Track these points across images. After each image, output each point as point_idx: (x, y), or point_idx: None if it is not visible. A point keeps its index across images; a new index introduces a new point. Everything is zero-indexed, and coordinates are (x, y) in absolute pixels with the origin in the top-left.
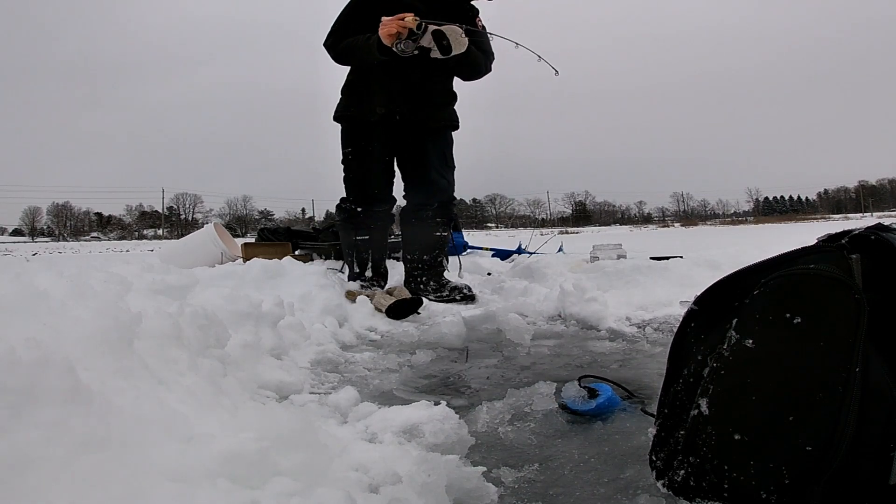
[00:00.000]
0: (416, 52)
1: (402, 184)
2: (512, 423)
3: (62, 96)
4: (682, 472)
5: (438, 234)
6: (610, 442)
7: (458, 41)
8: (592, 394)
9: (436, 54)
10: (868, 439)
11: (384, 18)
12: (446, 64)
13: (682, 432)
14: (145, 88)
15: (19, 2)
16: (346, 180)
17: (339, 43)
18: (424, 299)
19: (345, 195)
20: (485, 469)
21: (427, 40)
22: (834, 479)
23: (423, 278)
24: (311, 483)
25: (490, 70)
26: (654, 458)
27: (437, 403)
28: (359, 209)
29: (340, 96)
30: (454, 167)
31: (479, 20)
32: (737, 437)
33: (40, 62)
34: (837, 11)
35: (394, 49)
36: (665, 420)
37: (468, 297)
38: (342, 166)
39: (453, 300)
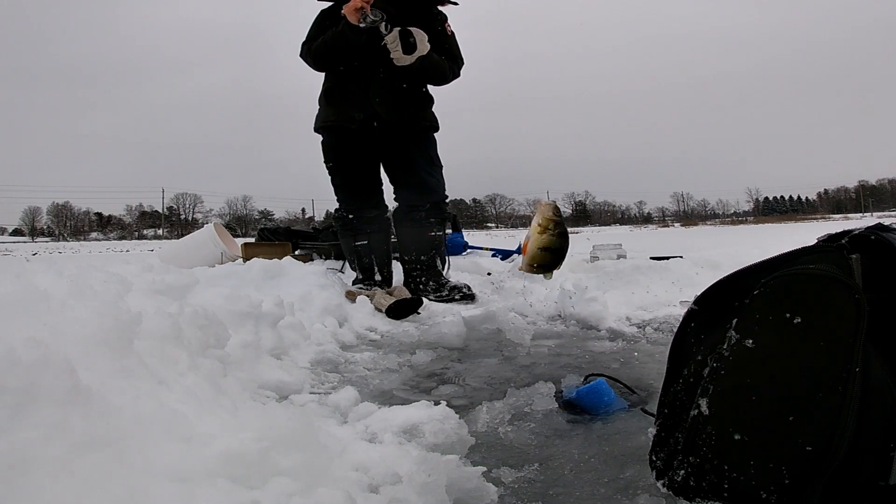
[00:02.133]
0: (384, 22)
1: (392, 187)
2: (512, 423)
3: (63, 98)
4: (682, 472)
5: (433, 234)
6: (610, 442)
7: (423, 43)
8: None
9: (397, 54)
10: (868, 439)
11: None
12: (412, 68)
13: (681, 432)
14: (146, 90)
15: (20, 5)
16: (334, 189)
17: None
18: (424, 299)
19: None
20: (485, 469)
21: (392, 38)
22: (834, 479)
23: (422, 278)
24: (311, 483)
25: (458, 75)
26: (654, 458)
27: (437, 403)
28: (350, 216)
29: (318, 107)
30: (441, 166)
31: (448, 25)
32: (737, 437)
33: (41, 64)
34: (837, 14)
35: (361, 25)
36: (665, 420)
37: (468, 297)
38: (328, 176)
39: (452, 299)
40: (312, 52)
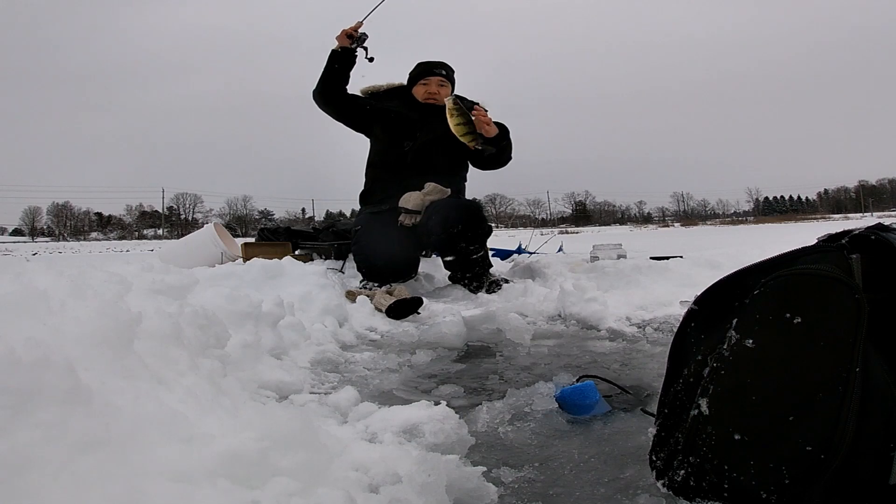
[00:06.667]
0: (365, 45)
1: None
2: (512, 423)
3: (63, 99)
4: (682, 472)
5: (475, 257)
6: (610, 442)
7: (418, 202)
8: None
9: (411, 220)
10: (868, 439)
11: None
12: (456, 170)
13: (682, 432)
14: (146, 92)
15: (23, 9)
16: (355, 254)
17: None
18: (424, 299)
19: (357, 263)
20: (485, 469)
21: (406, 220)
22: (834, 479)
23: (464, 281)
24: (311, 483)
25: (511, 158)
26: (654, 458)
27: (437, 403)
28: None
29: (360, 204)
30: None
31: (478, 107)
32: (737, 437)
33: (42, 66)
34: (837, 15)
35: (352, 46)
36: (665, 420)
37: (500, 284)
38: (353, 244)
39: (492, 290)
40: (316, 90)
